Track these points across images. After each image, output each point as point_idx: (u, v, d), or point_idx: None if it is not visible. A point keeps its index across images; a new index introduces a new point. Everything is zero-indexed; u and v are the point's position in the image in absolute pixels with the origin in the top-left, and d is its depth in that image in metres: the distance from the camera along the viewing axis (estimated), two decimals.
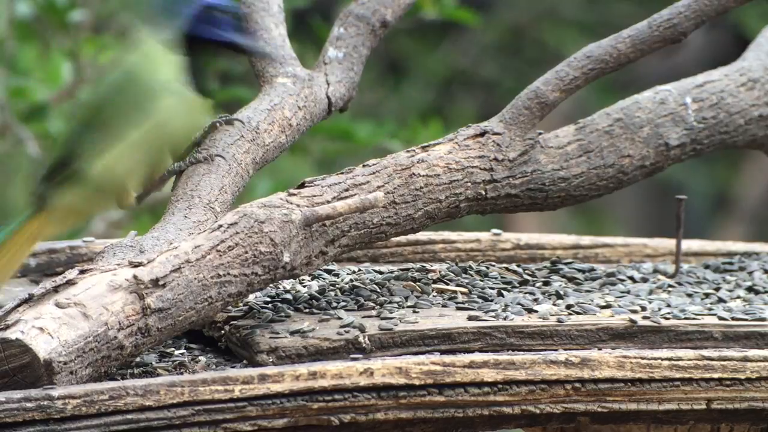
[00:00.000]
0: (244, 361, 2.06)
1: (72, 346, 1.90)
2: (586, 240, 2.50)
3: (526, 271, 2.31)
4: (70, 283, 1.94)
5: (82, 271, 1.97)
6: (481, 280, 2.27)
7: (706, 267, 2.42)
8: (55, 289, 1.94)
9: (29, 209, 2.16)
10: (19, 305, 1.92)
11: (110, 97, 2.13)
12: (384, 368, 1.94)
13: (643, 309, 2.17)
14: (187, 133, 2.20)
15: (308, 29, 3.36)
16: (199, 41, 2.14)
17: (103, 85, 2.15)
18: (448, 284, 2.24)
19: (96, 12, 3.41)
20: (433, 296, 2.20)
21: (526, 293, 2.22)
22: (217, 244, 2.01)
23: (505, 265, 2.35)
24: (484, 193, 2.22)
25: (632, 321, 2.12)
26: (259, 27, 2.33)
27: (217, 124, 2.24)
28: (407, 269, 2.29)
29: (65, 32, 3.39)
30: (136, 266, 1.97)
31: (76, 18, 3.38)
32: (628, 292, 2.25)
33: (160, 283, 1.96)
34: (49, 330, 1.89)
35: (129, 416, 1.85)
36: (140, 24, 2.11)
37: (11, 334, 1.89)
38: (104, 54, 3.38)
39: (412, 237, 2.42)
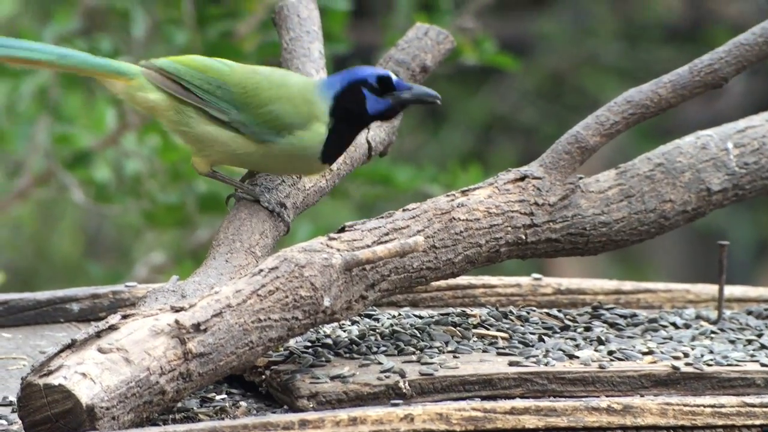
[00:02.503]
0: (285, 407, 2.06)
1: (114, 391, 1.90)
2: (628, 285, 2.49)
3: (567, 317, 2.30)
4: (112, 328, 1.95)
5: (124, 316, 1.97)
6: (522, 325, 2.26)
7: (749, 313, 2.40)
8: (98, 335, 1.94)
9: (128, 72, 2.22)
10: (62, 351, 1.93)
11: (271, 92, 2.20)
12: (425, 414, 1.94)
13: (686, 355, 2.15)
14: (286, 171, 2.26)
15: None
16: (380, 115, 2.22)
17: (271, 83, 2.21)
18: (488, 329, 2.23)
19: (140, 59, 3.44)
20: (474, 341, 2.19)
21: (567, 339, 2.21)
22: (258, 289, 2.01)
23: (545, 310, 2.34)
24: (524, 237, 2.22)
25: (675, 367, 2.11)
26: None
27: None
28: (447, 314, 2.28)
29: None
30: (177, 311, 1.98)
31: None
32: (671, 338, 2.23)
33: (202, 327, 1.97)
34: (91, 375, 1.90)
35: None
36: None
37: (54, 379, 1.89)
38: None
39: (452, 281, 2.41)
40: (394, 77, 2.21)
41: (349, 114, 2.21)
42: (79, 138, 3.46)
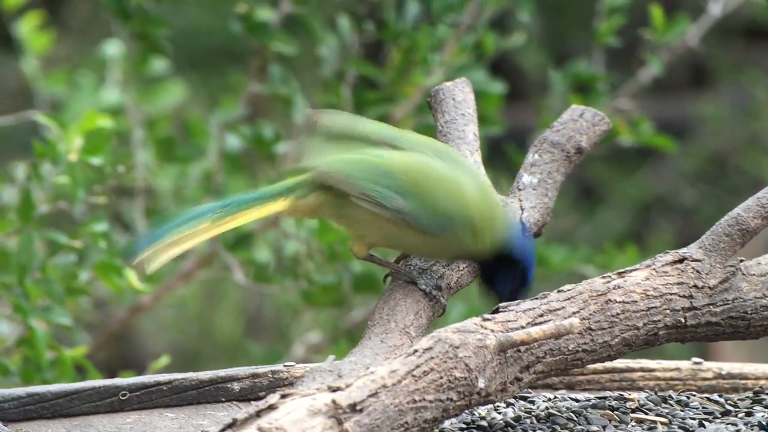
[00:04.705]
0: None
1: None
2: None
3: (729, 402, 2.26)
4: (272, 407, 1.97)
5: (283, 396, 2.00)
6: (682, 410, 2.22)
7: None
8: (258, 414, 1.97)
9: (282, 190, 2.25)
10: (223, 430, 1.96)
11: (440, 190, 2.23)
12: None
13: None
14: (432, 256, 2.28)
15: (503, 156, 3.40)
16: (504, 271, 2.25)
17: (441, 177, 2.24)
18: (647, 414, 2.20)
19: (300, 144, 3.52)
20: (632, 426, 2.16)
21: (728, 424, 2.16)
22: (413, 369, 2.02)
23: (706, 395, 2.30)
24: (683, 320, 2.19)
25: None
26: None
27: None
28: (604, 397, 2.26)
29: (271, 163, 3.51)
30: (334, 391, 2.00)
31: (282, 150, 3.49)
32: None
33: (358, 408, 1.98)
34: None
35: None
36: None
37: None
38: None
39: (609, 364, 2.38)
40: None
41: (490, 263, 2.23)
42: None
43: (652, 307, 2.18)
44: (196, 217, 2.25)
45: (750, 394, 2.31)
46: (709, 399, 2.27)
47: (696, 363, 2.43)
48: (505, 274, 2.23)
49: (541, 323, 2.10)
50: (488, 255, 2.23)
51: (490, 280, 2.25)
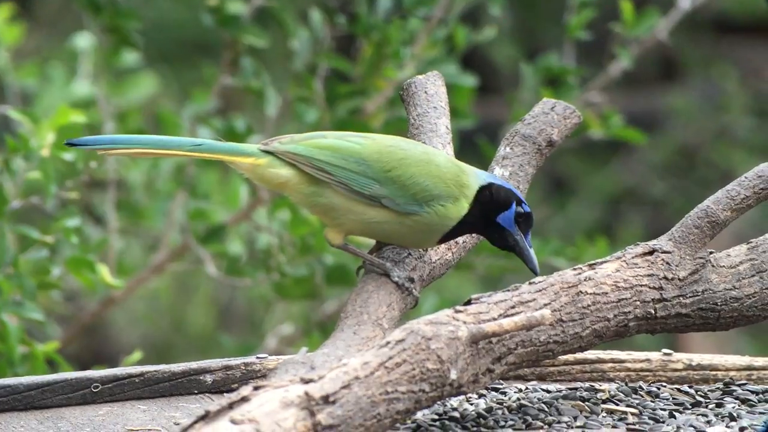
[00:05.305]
0: None
1: None
2: (760, 361, 2.45)
3: (699, 393, 2.28)
4: (244, 399, 1.98)
5: (256, 388, 2.00)
6: (652, 401, 2.24)
7: None
8: (230, 406, 1.98)
9: (255, 151, 2.28)
10: (196, 422, 1.97)
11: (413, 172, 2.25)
12: None
13: None
14: (410, 243, 2.29)
15: (475, 148, 3.42)
16: (497, 228, 2.26)
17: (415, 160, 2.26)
18: (617, 404, 2.21)
19: (271, 136, 3.52)
20: (603, 416, 2.17)
21: (698, 415, 2.18)
22: (385, 361, 2.03)
23: (676, 385, 2.32)
24: (653, 312, 2.21)
25: None
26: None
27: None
28: (575, 388, 2.27)
29: None
30: (307, 383, 2.00)
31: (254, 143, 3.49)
32: None
33: (331, 399, 1.99)
34: None
35: None
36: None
37: None
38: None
39: (580, 355, 2.40)
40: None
41: (482, 208, 2.24)
42: (214, 213, 3.54)
43: (623, 299, 2.19)
44: (165, 144, 2.27)
45: (720, 385, 2.32)
46: (679, 390, 2.29)
47: (666, 354, 2.45)
48: (503, 215, 2.23)
49: (512, 315, 2.12)
50: (470, 212, 2.23)
51: (495, 229, 2.24)
